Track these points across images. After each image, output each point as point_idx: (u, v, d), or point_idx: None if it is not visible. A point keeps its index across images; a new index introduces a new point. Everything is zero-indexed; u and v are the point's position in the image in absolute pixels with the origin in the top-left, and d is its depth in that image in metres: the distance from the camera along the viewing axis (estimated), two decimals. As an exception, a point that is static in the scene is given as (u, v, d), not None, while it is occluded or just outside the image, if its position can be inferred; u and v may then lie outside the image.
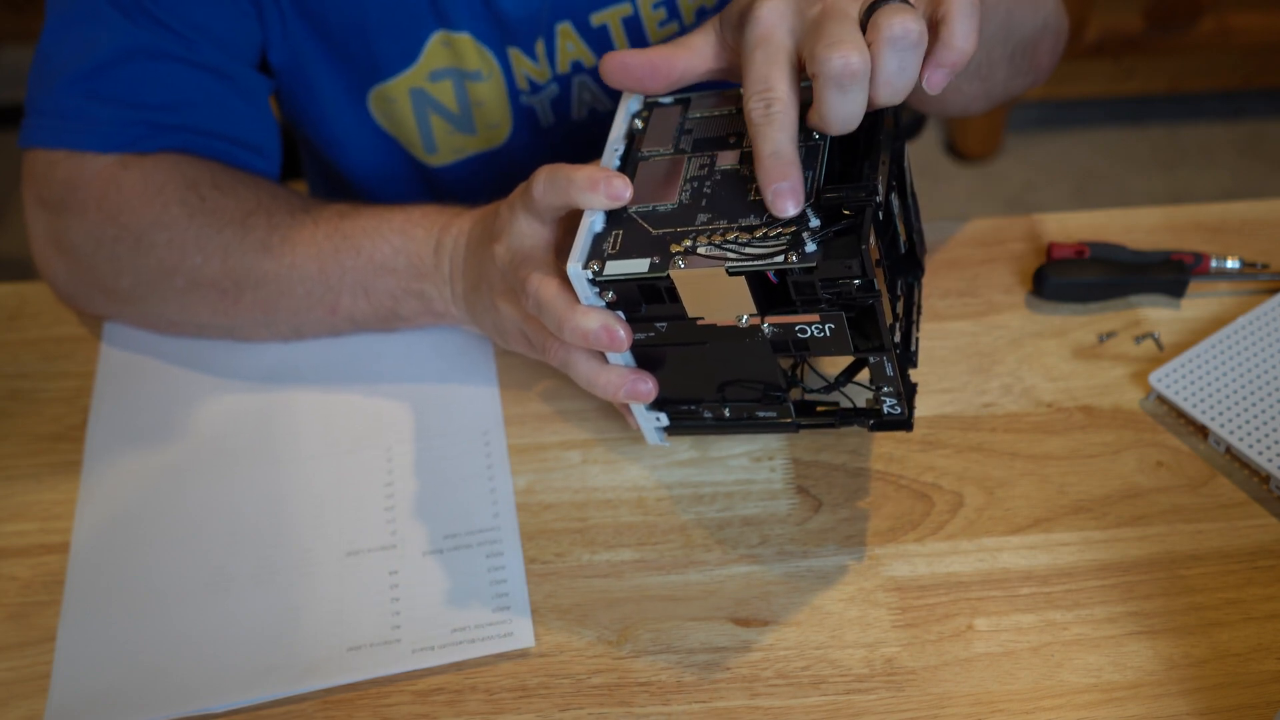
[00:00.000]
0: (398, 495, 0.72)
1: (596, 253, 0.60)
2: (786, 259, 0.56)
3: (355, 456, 0.74)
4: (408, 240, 0.74)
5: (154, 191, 0.75)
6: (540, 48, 0.85)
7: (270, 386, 0.78)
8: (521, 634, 0.66)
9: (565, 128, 0.90)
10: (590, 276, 0.59)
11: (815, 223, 0.57)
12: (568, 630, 0.67)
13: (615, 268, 0.59)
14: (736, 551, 0.69)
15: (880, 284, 0.57)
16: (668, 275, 0.58)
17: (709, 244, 0.58)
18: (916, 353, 0.68)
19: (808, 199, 0.58)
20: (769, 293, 0.59)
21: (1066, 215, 0.85)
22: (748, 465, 0.73)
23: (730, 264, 0.57)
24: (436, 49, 0.83)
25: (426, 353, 0.79)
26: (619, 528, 0.71)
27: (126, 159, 0.76)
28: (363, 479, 0.73)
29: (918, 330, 0.69)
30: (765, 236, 0.57)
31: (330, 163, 0.93)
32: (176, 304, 0.77)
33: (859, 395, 0.67)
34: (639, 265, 0.59)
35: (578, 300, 0.61)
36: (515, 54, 0.84)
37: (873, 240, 0.57)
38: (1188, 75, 2.05)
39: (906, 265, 0.70)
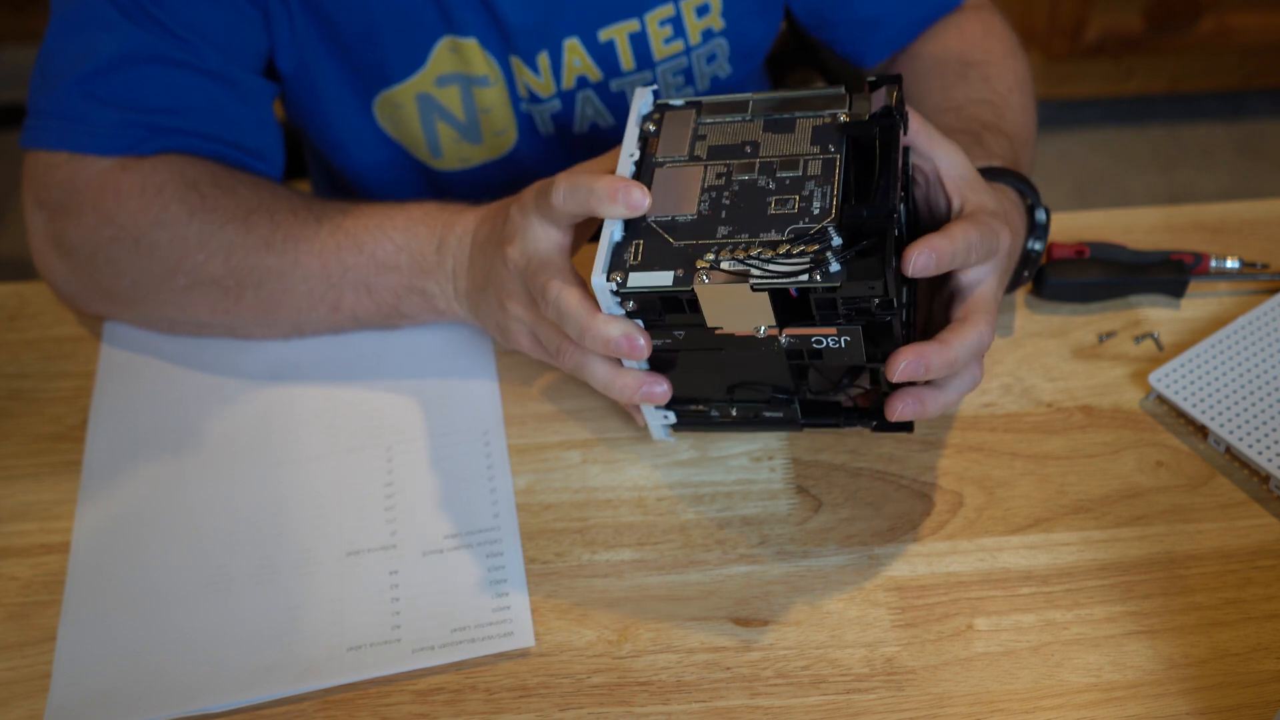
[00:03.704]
0: (398, 495, 0.72)
1: (618, 263, 0.61)
2: (811, 278, 0.57)
3: (355, 456, 0.74)
4: (410, 238, 0.74)
5: (154, 192, 0.75)
6: (544, 61, 0.85)
7: (271, 386, 0.78)
8: (521, 634, 0.66)
9: (566, 139, 0.91)
10: (614, 288, 0.60)
11: (837, 241, 0.58)
12: (568, 630, 0.67)
13: (639, 279, 0.60)
14: (736, 551, 0.69)
15: (898, 301, 0.59)
16: (692, 290, 0.59)
17: (732, 259, 0.59)
18: None
19: (829, 217, 0.59)
20: (787, 305, 0.60)
21: (1066, 215, 0.85)
22: (748, 465, 0.73)
23: (754, 280, 0.58)
24: (443, 54, 0.83)
25: (427, 352, 0.79)
26: (619, 528, 0.71)
27: (126, 162, 0.76)
28: (363, 479, 0.73)
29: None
30: (788, 253, 0.58)
31: (336, 167, 0.93)
32: (177, 303, 0.77)
33: None
34: (663, 278, 0.60)
35: (599, 309, 0.62)
36: (516, 62, 0.85)
37: (894, 262, 0.58)
38: (1188, 75, 2.05)
39: None
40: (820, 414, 0.68)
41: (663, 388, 0.65)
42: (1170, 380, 0.74)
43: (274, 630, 0.67)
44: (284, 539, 0.71)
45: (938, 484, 0.72)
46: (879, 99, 0.63)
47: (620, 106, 0.89)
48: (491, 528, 0.71)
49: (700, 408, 0.68)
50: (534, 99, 0.87)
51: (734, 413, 0.68)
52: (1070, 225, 0.84)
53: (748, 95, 0.67)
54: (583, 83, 0.87)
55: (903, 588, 0.68)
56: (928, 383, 0.64)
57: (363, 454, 0.74)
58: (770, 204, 0.61)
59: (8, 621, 0.68)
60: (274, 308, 0.76)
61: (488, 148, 0.90)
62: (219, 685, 0.65)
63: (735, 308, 0.59)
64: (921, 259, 0.59)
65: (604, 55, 0.86)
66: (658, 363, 0.65)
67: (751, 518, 0.71)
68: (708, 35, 0.88)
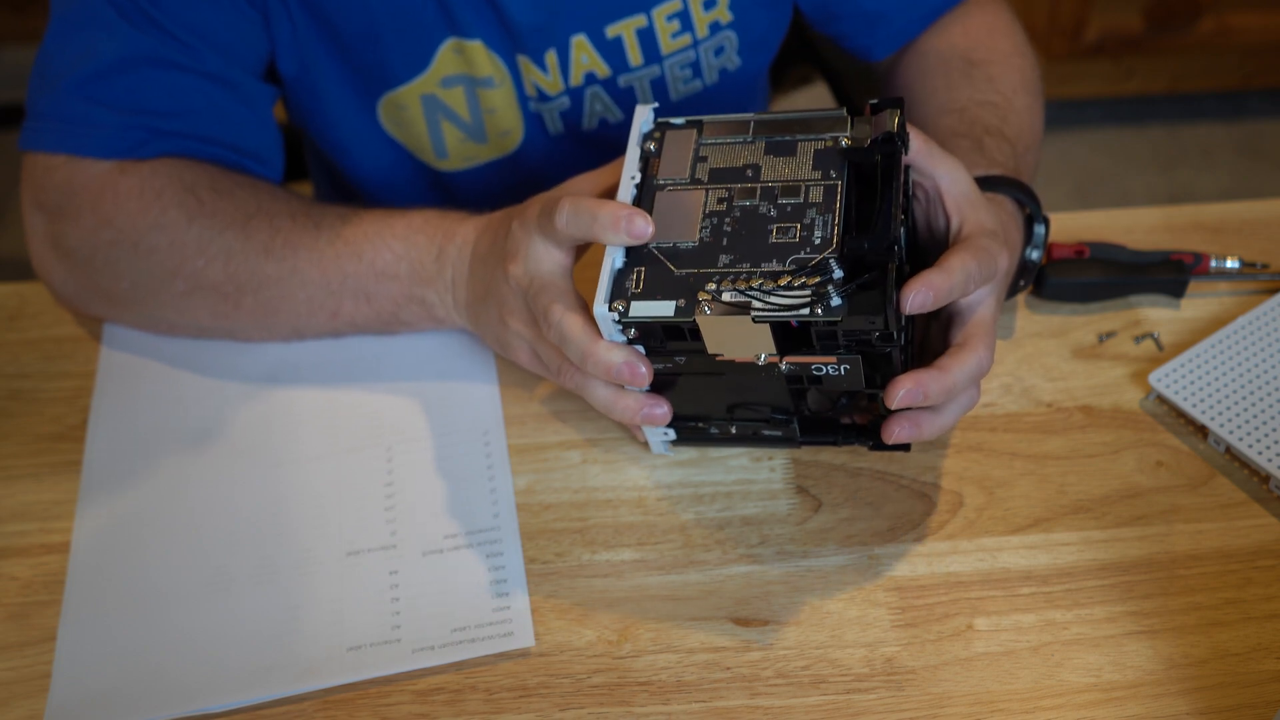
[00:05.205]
0: (398, 495, 0.72)
1: (620, 291, 0.61)
2: (812, 311, 0.57)
3: (355, 456, 0.74)
4: (410, 247, 0.74)
5: (152, 196, 0.75)
6: (552, 60, 0.85)
7: (270, 387, 0.78)
8: (521, 634, 0.66)
9: (575, 136, 0.91)
10: (616, 318, 0.60)
11: (838, 274, 0.58)
12: (568, 630, 0.67)
13: (641, 309, 0.60)
14: (736, 551, 0.69)
15: (898, 332, 0.59)
16: (693, 320, 0.59)
17: (733, 289, 0.59)
18: None
19: (830, 247, 0.59)
20: (788, 334, 0.60)
21: (1066, 215, 0.85)
22: (748, 465, 0.73)
23: (756, 312, 0.58)
24: (448, 56, 0.83)
25: (427, 353, 0.79)
26: (619, 528, 0.71)
27: (125, 165, 0.76)
28: (363, 479, 0.73)
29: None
30: (790, 285, 0.58)
31: (338, 169, 0.93)
32: (176, 307, 0.77)
33: None
34: (664, 308, 0.60)
35: (600, 335, 0.62)
36: (524, 62, 0.85)
37: (895, 297, 0.58)
38: (1188, 75, 2.05)
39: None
40: (819, 432, 0.69)
41: (663, 409, 0.66)
42: (1170, 380, 0.74)
43: (274, 630, 0.67)
44: (284, 539, 0.71)
45: (938, 484, 0.72)
46: (881, 122, 0.63)
47: (628, 101, 0.89)
48: (491, 528, 0.71)
49: (700, 425, 0.69)
50: (543, 97, 0.87)
51: (733, 430, 0.69)
52: (1070, 225, 0.84)
53: (749, 115, 0.67)
54: (591, 79, 0.87)
55: (903, 588, 0.68)
56: (925, 406, 0.64)
57: (363, 454, 0.74)
58: (772, 232, 0.61)
59: (8, 621, 0.68)
60: (273, 313, 0.76)
61: (493, 147, 0.90)
62: (219, 685, 0.65)
63: (736, 337, 0.59)
64: (918, 298, 0.59)
65: (612, 51, 0.86)
66: (658, 383, 0.66)
67: (751, 518, 0.71)
68: (715, 28, 0.88)
